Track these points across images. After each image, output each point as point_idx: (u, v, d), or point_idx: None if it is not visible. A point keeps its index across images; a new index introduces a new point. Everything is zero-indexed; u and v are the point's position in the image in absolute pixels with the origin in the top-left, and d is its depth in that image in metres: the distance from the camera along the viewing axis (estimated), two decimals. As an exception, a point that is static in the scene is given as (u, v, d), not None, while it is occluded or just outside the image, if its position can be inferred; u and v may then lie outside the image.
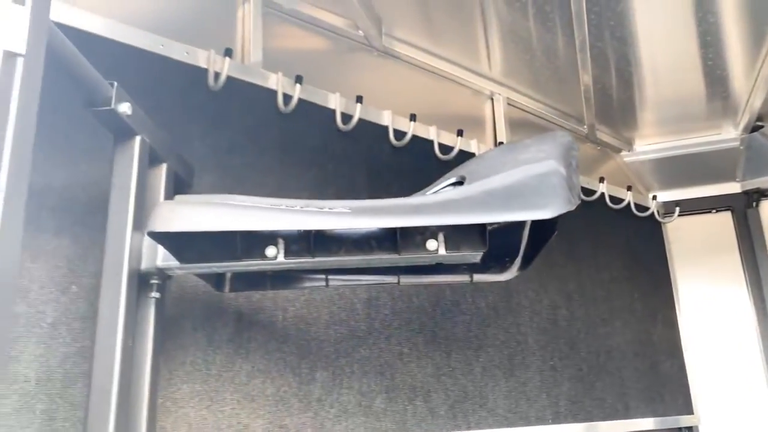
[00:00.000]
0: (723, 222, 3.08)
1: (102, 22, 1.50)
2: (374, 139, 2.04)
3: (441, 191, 1.18)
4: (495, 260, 1.36)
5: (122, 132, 1.18)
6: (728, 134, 2.95)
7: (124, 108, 1.12)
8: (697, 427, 2.80)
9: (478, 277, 1.36)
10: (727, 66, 2.44)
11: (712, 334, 2.96)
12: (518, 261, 1.36)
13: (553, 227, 1.29)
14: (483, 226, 1.16)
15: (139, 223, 1.18)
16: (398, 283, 1.38)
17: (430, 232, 1.16)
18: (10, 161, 0.77)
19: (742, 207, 3.03)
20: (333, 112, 1.93)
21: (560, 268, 2.50)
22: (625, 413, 2.50)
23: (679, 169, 3.08)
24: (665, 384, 2.75)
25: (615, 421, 2.47)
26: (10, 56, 0.78)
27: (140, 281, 1.18)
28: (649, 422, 2.61)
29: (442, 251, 1.16)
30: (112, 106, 1.10)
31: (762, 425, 2.81)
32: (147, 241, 1.18)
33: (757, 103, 2.64)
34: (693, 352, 2.93)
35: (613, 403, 2.48)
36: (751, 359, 2.89)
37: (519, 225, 1.32)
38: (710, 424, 2.83)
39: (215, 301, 1.55)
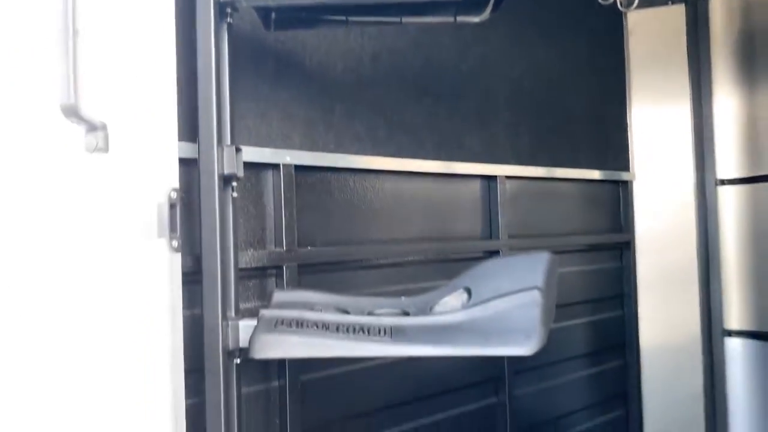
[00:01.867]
0: (677, 14, 3.50)
1: None
2: None
3: None
4: (473, 5, 1.83)
5: None
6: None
7: None
8: (632, 182, 3.49)
9: (460, 18, 1.84)
10: None
11: (654, 109, 3.54)
12: (490, 6, 1.83)
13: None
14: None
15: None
16: (401, 22, 1.86)
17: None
18: None
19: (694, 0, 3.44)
20: None
21: (528, 47, 2.98)
22: (575, 163, 3.15)
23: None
24: (610, 146, 3.40)
25: (569, 169, 3.13)
26: None
27: (220, 9, 1.65)
28: (595, 173, 3.28)
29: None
30: None
31: (684, 187, 3.48)
32: (223, -21, 1.63)
33: None
34: (637, 125, 3.53)
35: (566, 156, 3.12)
36: (682, 136, 3.49)
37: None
38: (642, 180, 3.52)
39: (259, 45, 2.03)
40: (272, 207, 2.10)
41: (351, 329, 1.50)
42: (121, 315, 1.03)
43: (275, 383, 2.09)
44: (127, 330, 1.04)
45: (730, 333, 3.40)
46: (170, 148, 1.03)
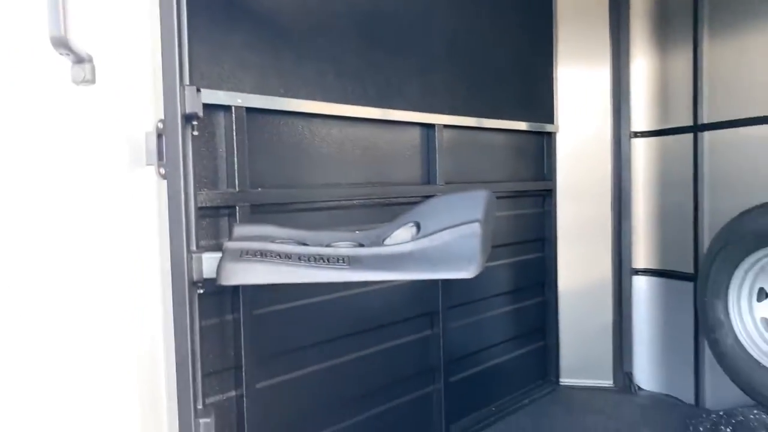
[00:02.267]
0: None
1: None
2: None
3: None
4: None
5: None
6: None
7: None
8: (555, 133, 3.75)
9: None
10: None
11: (578, 67, 3.78)
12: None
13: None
14: None
15: None
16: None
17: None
18: None
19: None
20: None
21: (465, 3, 3.12)
22: (505, 115, 3.36)
23: None
24: (537, 100, 3.62)
25: (500, 120, 3.33)
26: None
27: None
28: (522, 125, 3.50)
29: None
30: None
31: (602, 139, 3.78)
32: None
33: None
34: (562, 80, 3.77)
35: (497, 107, 3.31)
36: (602, 92, 3.76)
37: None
38: (565, 132, 3.78)
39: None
40: (224, 148, 2.17)
41: (312, 258, 1.62)
42: (114, 239, 1.11)
43: (229, 317, 2.20)
44: (120, 253, 1.12)
45: (637, 271, 3.77)
46: (156, 80, 1.10)
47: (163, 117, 1.11)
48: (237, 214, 2.17)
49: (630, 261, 3.78)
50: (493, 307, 3.44)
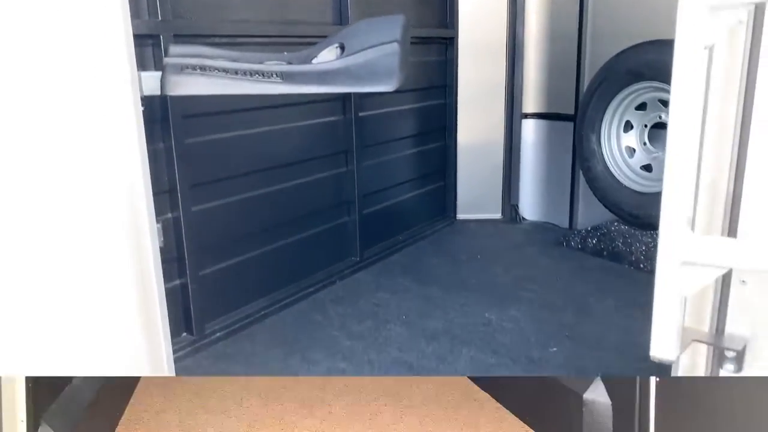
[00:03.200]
0: None
1: None
2: None
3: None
4: None
5: None
6: None
7: None
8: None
9: None
10: None
11: None
12: None
13: None
14: None
15: None
16: None
17: None
18: None
19: None
20: None
21: None
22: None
23: None
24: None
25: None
26: None
27: None
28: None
29: None
30: None
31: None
32: None
33: None
34: None
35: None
36: None
37: None
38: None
39: None
40: (143, -25, 2.17)
41: (248, 73, 1.78)
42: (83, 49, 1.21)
43: (161, 145, 2.32)
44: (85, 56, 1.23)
45: (526, 116, 4.18)
46: None
47: None
48: (161, 43, 2.22)
49: (521, 107, 4.17)
50: (400, 149, 3.74)
